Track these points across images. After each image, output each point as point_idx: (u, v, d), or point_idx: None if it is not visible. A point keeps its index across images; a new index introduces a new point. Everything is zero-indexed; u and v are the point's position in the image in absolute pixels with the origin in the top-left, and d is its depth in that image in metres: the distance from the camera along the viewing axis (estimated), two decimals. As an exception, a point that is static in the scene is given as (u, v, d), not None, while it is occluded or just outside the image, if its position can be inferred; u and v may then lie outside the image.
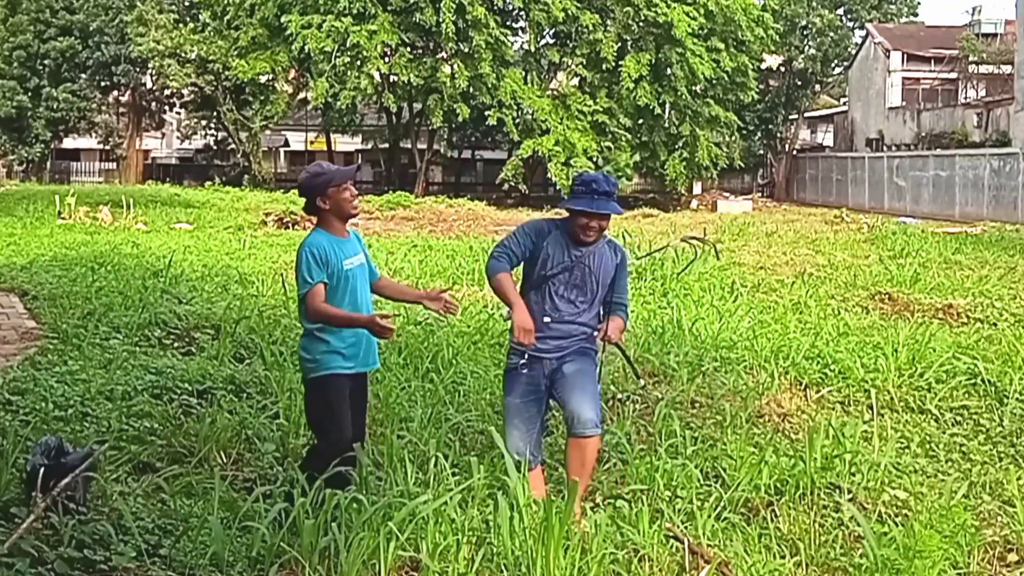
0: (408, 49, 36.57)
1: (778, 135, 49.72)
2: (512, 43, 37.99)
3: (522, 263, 4.99)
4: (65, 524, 4.35)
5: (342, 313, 4.71)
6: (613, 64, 35.92)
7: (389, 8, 35.21)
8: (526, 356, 4.86)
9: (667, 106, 36.82)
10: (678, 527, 4.78)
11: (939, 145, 38.97)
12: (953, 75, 44.77)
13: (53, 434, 5.35)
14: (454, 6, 33.93)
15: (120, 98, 50.52)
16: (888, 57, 45.27)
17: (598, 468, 5.66)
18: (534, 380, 4.90)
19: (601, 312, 5.01)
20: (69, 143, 52.42)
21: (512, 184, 37.27)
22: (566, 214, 4.96)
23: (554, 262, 4.86)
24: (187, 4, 45.42)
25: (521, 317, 4.76)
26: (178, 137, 53.93)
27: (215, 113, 46.02)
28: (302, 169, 5.10)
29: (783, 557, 4.62)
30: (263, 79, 40.10)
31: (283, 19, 36.01)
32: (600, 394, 5.05)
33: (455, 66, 36.07)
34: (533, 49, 38.50)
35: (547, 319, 4.88)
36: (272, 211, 25.99)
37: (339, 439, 4.76)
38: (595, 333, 4.94)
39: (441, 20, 34.11)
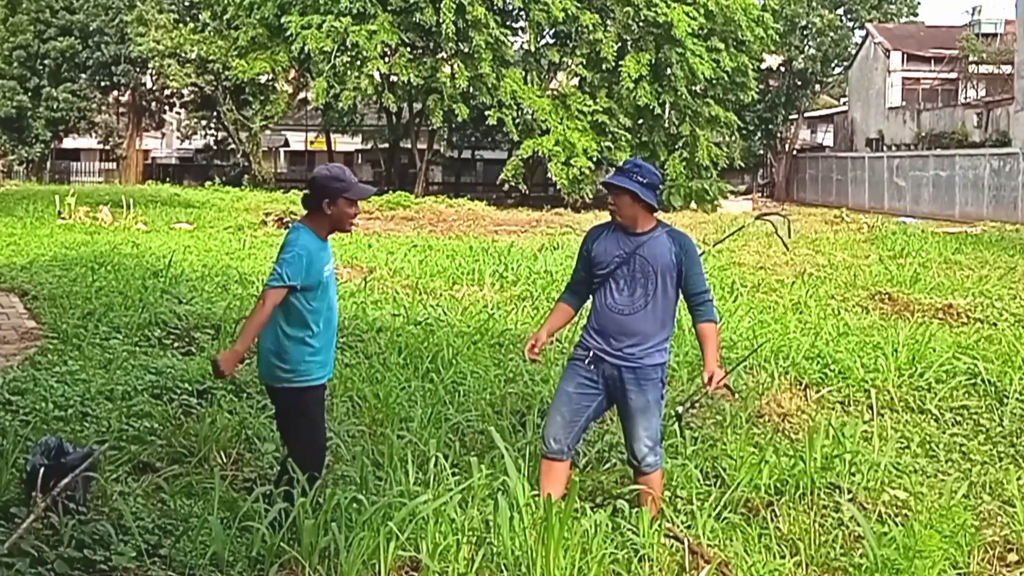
0: (408, 49, 36.56)
1: (778, 135, 49.74)
2: (512, 43, 37.98)
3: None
4: (65, 524, 4.36)
5: (254, 333, 4.56)
6: (613, 64, 35.91)
7: (389, 8, 35.20)
8: (591, 352, 4.86)
9: (667, 106, 36.81)
10: (678, 527, 4.79)
11: (939, 145, 38.98)
12: (953, 75, 44.80)
13: (53, 434, 5.35)
14: (454, 6, 33.92)
15: (120, 98, 50.50)
16: (888, 57, 45.28)
17: (599, 468, 5.67)
18: (593, 378, 4.87)
19: (667, 318, 4.87)
20: (69, 143, 52.39)
21: (512, 184, 37.27)
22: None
23: (608, 258, 4.85)
24: (187, 4, 45.40)
25: (532, 338, 5.04)
26: (178, 137, 53.90)
27: (215, 113, 46.01)
28: (322, 166, 4.99)
29: (783, 557, 4.62)
30: (263, 79, 40.09)
31: (283, 19, 35.99)
32: (662, 425, 5.03)
33: (455, 66, 36.06)
34: (533, 49, 38.49)
35: (606, 312, 4.85)
36: (272, 211, 26.00)
37: (314, 451, 4.72)
38: (663, 359, 4.87)
39: (441, 20, 34.10)
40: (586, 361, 4.88)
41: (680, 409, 5.70)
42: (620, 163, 4.93)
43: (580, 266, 5.05)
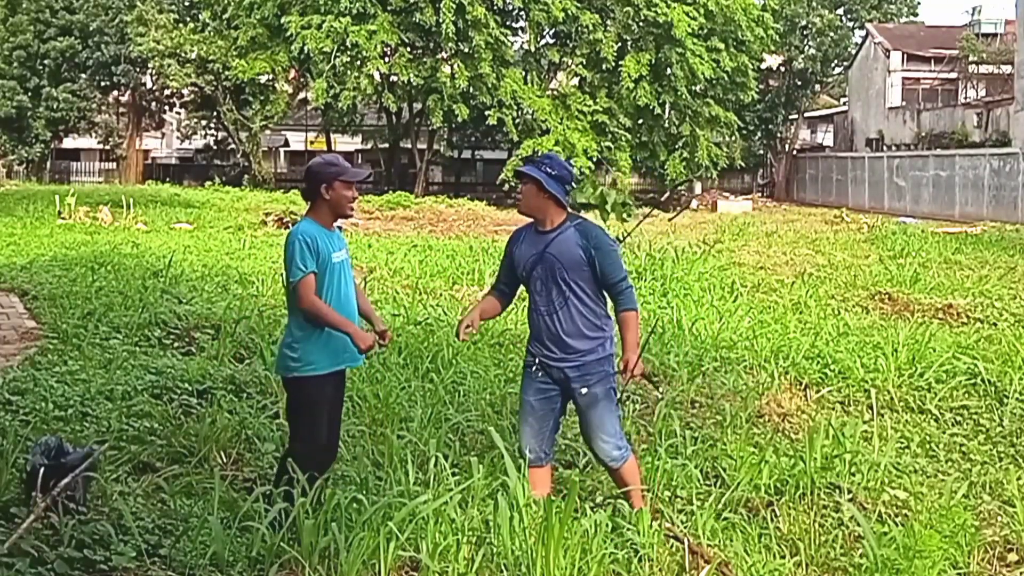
0: (408, 49, 36.55)
1: (778, 135, 49.75)
2: (512, 43, 37.97)
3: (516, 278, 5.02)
4: (65, 524, 4.35)
5: (333, 314, 4.66)
6: (613, 64, 35.91)
7: (389, 8, 35.19)
8: (537, 359, 4.87)
9: (667, 106, 36.81)
10: (678, 527, 4.79)
11: (939, 145, 38.98)
12: (953, 75, 44.80)
13: (53, 434, 5.35)
14: (454, 6, 33.91)
15: (120, 98, 50.46)
16: (888, 57, 45.27)
17: (599, 468, 5.67)
18: (546, 383, 4.87)
19: (597, 310, 4.87)
20: (69, 143, 52.35)
21: (512, 184, 37.25)
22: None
23: (525, 260, 4.87)
24: (187, 4, 45.39)
25: (462, 320, 4.95)
26: (178, 137, 53.88)
27: (215, 113, 45.98)
28: (318, 156, 5.13)
29: (783, 557, 4.62)
30: (263, 79, 40.05)
31: (283, 19, 35.98)
32: (620, 417, 4.99)
33: (455, 66, 36.05)
34: (533, 49, 38.48)
35: (533, 316, 4.88)
36: (272, 211, 25.98)
37: (312, 445, 4.74)
38: (605, 352, 4.83)
39: (441, 20, 34.10)
40: (534, 368, 4.90)
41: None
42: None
43: (502, 269, 5.06)
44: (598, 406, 4.82)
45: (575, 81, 38.41)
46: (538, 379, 4.89)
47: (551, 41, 39.87)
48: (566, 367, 4.80)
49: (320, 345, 4.72)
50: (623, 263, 4.96)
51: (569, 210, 4.90)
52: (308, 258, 4.64)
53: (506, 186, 37.69)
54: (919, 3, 51.06)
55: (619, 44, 36.42)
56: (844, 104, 52.52)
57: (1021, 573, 4.69)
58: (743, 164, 43.72)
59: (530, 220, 4.94)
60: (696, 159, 37.19)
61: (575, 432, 6.25)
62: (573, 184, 4.89)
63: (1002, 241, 21.89)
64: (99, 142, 51.01)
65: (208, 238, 18.87)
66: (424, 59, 36.65)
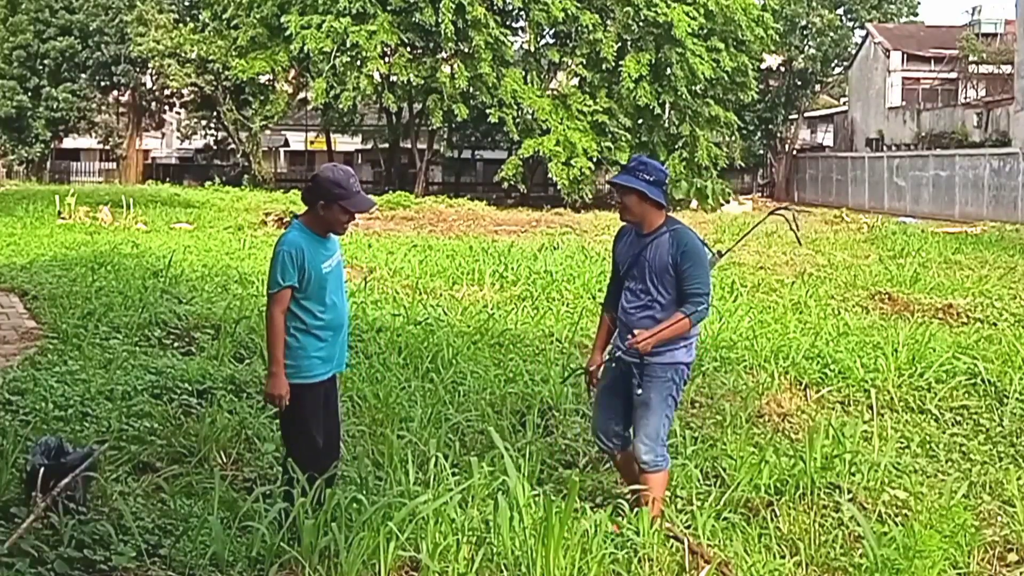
0: (408, 49, 36.56)
1: (778, 135, 49.75)
2: (512, 43, 37.97)
3: None
4: (65, 524, 4.35)
5: (279, 345, 4.61)
6: (613, 64, 35.92)
7: (389, 8, 35.20)
8: (616, 353, 4.97)
9: (667, 106, 36.82)
10: (678, 527, 4.79)
11: (939, 145, 38.98)
12: (953, 75, 44.82)
13: (53, 434, 5.35)
14: (454, 6, 33.92)
15: (120, 98, 50.44)
16: (888, 57, 45.28)
17: (599, 468, 5.67)
18: (619, 375, 4.95)
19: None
20: (69, 143, 52.33)
21: (511, 183, 37.29)
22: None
23: (623, 259, 4.98)
24: (187, 4, 45.39)
25: (591, 368, 5.11)
26: (178, 137, 53.87)
27: (215, 113, 45.99)
28: (330, 166, 4.88)
29: (783, 557, 4.63)
30: (263, 79, 40.08)
31: (282, 19, 36.00)
32: (670, 422, 4.99)
33: (455, 66, 36.06)
34: (533, 49, 38.49)
35: (622, 311, 4.95)
36: (272, 211, 25.98)
37: (309, 450, 4.72)
38: (675, 359, 4.86)
39: (441, 20, 34.11)
40: (609, 359, 5.01)
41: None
42: (619, 163, 4.93)
43: (612, 268, 5.18)
44: (649, 408, 4.86)
45: (575, 81, 38.41)
46: (612, 371, 5.00)
47: (551, 41, 39.87)
48: (633, 362, 4.86)
49: (316, 353, 4.69)
50: (710, 281, 4.89)
51: (667, 212, 4.97)
52: (289, 272, 4.56)
53: (506, 185, 37.67)
54: (919, 3, 51.13)
55: (619, 44, 36.42)
56: (844, 104, 52.52)
57: (1021, 573, 4.69)
58: (743, 164, 43.72)
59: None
60: (696, 159, 37.19)
61: (574, 432, 6.26)
62: (667, 182, 4.93)
63: (1002, 241, 21.89)
64: (99, 142, 50.99)
65: (208, 238, 18.85)
66: (424, 59, 36.66)
